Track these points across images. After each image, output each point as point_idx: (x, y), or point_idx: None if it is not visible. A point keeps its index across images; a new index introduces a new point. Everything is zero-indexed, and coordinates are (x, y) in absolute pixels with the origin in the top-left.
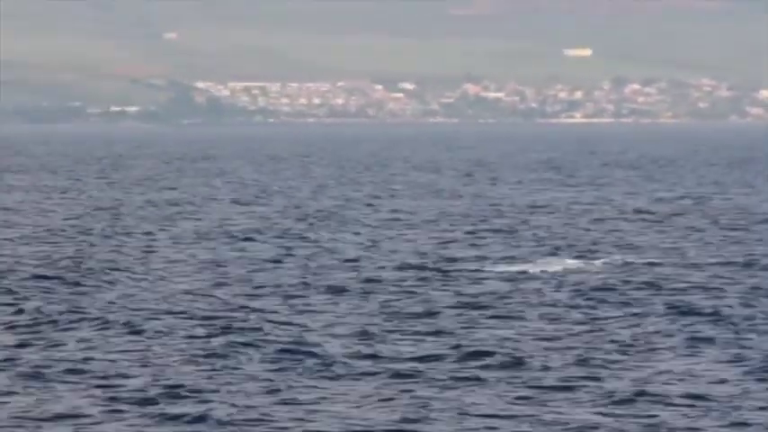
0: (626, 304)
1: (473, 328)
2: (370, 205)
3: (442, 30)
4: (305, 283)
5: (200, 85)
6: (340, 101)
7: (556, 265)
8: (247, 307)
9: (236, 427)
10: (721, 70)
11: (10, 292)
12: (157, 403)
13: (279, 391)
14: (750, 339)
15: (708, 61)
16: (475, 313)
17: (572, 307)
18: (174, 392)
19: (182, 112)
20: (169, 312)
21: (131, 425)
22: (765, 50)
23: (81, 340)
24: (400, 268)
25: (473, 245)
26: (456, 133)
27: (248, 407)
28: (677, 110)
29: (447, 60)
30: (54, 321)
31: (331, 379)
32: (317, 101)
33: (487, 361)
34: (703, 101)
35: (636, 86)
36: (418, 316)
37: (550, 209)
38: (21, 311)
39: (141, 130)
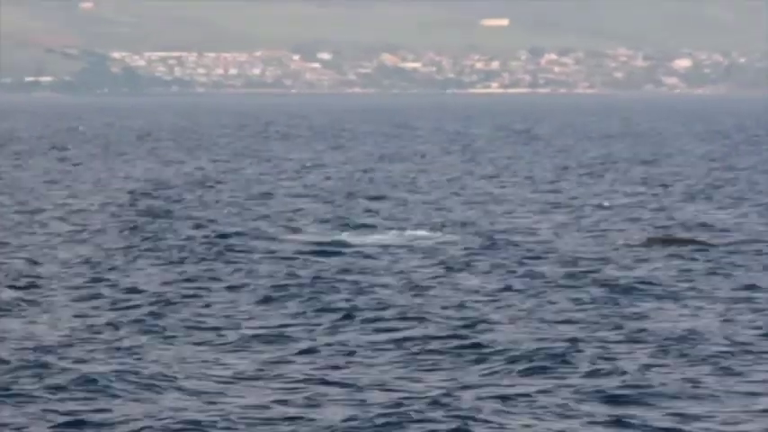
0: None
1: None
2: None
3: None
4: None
5: (115, 55)
6: (257, 71)
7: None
8: None
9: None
10: (637, 40)
11: None
12: None
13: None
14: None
15: (623, 31)
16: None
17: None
18: None
19: (97, 82)
20: None
21: None
22: (680, 20)
23: None
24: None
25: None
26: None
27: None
28: (593, 80)
29: (364, 30)
30: None
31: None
32: (233, 71)
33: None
34: (619, 71)
35: (552, 56)
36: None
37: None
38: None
39: (55, 100)
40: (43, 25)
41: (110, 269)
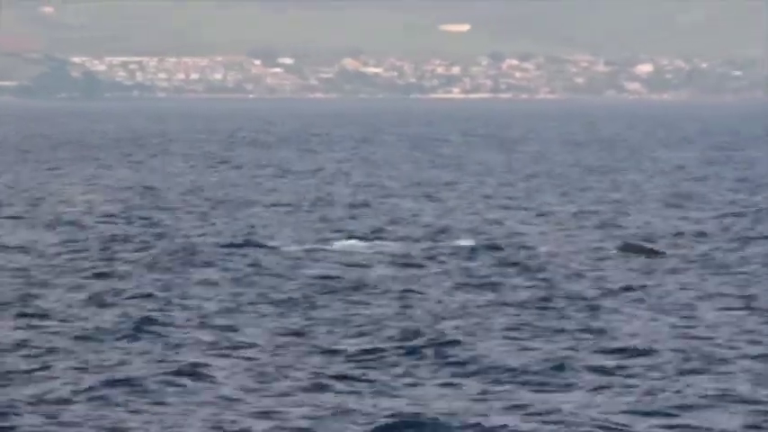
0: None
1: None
2: None
3: (322, 3)
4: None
5: (76, 59)
6: (218, 76)
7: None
8: None
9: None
10: (598, 46)
11: None
12: None
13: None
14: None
15: (585, 36)
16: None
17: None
18: None
19: (57, 86)
20: None
21: None
22: (642, 25)
23: None
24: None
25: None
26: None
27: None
28: (554, 85)
29: (326, 35)
30: None
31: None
32: (194, 76)
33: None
34: (580, 76)
35: (513, 62)
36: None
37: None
38: None
39: (17, 105)
40: (4, 30)
41: (99, 275)
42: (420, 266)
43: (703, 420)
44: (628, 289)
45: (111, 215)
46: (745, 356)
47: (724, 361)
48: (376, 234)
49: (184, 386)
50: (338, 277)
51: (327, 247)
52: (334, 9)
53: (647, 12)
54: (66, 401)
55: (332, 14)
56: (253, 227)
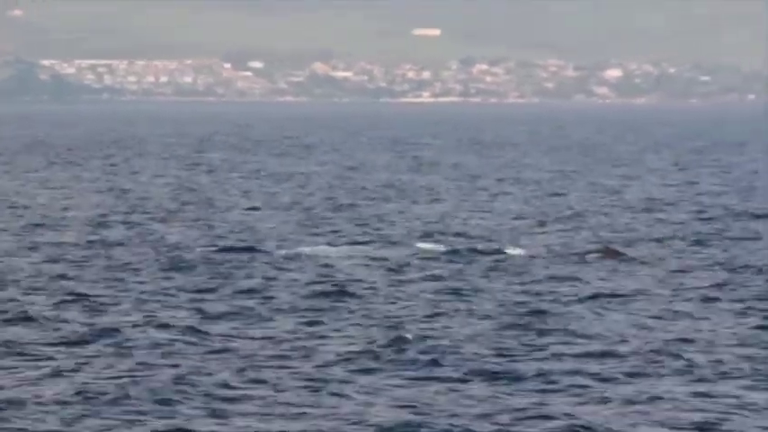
0: None
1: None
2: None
3: (292, 7)
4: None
5: (44, 62)
6: (188, 79)
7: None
8: None
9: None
10: (568, 50)
11: None
12: None
13: None
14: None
15: (554, 41)
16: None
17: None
18: None
19: (25, 89)
20: None
21: None
22: (611, 30)
23: None
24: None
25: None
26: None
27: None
28: (524, 89)
29: (296, 39)
30: None
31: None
32: (164, 79)
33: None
34: (550, 81)
35: (483, 66)
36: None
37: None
38: None
39: None
40: None
41: (93, 282)
42: (397, 271)
43: (678, 420)
44: (605, 292)
45: (91, 219)
46: (719, 359)
47: (700, 364)
48: (354, 238)
49: (164, 393)
50: (317, 282)
51: (306, 251)
52: (304, 13)
53: (616, 17)
54: (44, 404)
55: (303, 18)
56: (231, 231)
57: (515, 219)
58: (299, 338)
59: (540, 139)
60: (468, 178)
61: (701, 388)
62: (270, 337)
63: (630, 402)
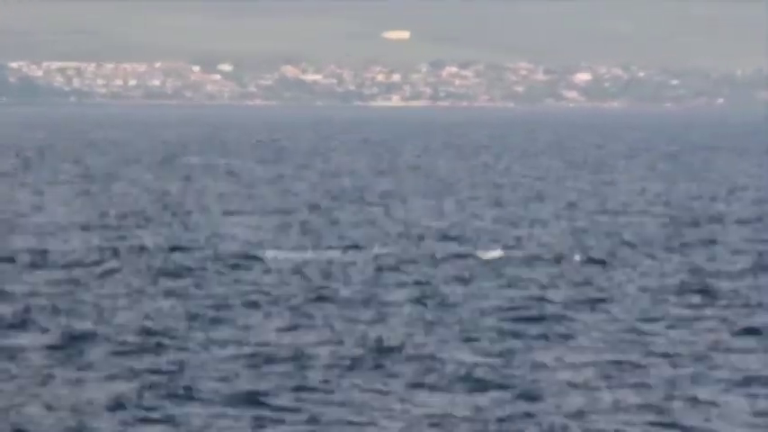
0: None
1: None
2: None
3: (261, 10)
4: None
5: (13, 65)
6: (157, 82)
7: None
8: None
9: None
10: (537, 54)
11: None
12: None
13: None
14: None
15: (524, 45)
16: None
17: None
18: None
19: None
20: None
21: None
22: (581, 34)
23: None
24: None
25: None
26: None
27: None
28: (493, 93)
29: (266, 42)
30: None
31: None
32: (133, 82)
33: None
34: (520, 84)
35: (453, 69)
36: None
37: None
38: None
39: None
40: None
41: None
42: (385, 274)
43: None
44: (588, 297)
45: (70, 224)
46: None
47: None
48: (334, 242)
49: (144, 401)
50: (296, 285)
51: (279, 256)
52: (274, 17)
53: (586, 21)
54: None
55: (272, 22)
56: (212, 236)
57: (494, 222)
58: (277, 344)
59: (513, 144)
60: (444, 182)
61: (687, 393)
62: (245, 343)
63: (618, 408)
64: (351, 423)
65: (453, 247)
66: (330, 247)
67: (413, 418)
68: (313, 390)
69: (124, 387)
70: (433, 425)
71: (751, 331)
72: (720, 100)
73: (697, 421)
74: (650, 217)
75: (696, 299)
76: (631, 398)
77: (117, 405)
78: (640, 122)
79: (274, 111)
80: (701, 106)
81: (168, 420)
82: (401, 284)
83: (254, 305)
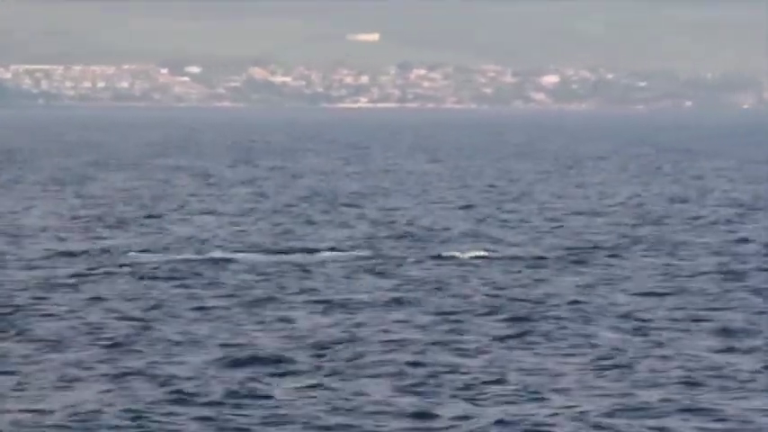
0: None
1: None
2: None
3: (229, 13)
4: None
5: None
6: (125, 84)
7: None
8: None
9: None
10: (506, 56)
11: None
12: None
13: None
14: None
15: (492, 47)
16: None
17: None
18: None
19: None
20: None
21: None
22: (549, 37)
23: None
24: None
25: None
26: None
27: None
28: (461, 95)
29: (234, 44)
30: None
31: None
32: (101, 84)
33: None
34: (488, 86)
35: (421, 71)
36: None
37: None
38: None
39: None
40: None
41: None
42: (353, 276)
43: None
44: (564, 296)
45: (48, 226)
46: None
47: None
48: (310, 243)
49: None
50: (271, 285)
51: (261, 257)
52: (243, 19)
53: (554, 24)
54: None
55: (241, 24)
56: (185, 237)
57: (466, 223)
58: (225, 345)
59: (484, 145)
60: (422, 183)
61: (672, 393)
62: (197, 342)
63: (610, 411)
64: (328, 427)
65: (428, 248)
66: (307, 249)
67: (391, 419)
68: (251, 388)
69: (92, 391)
70: (413, 428)
71: (725, 332)
72: (688, 103)
73: (675, 422)
74: (622, 218)
75: (671, 300)
76: (615, 399)
77: (85, 409)
78: (610, 124)
79: (243, 113)
80: (669, 108)
81: (145, 424)
82: (376, 286)
83: (228, 305)
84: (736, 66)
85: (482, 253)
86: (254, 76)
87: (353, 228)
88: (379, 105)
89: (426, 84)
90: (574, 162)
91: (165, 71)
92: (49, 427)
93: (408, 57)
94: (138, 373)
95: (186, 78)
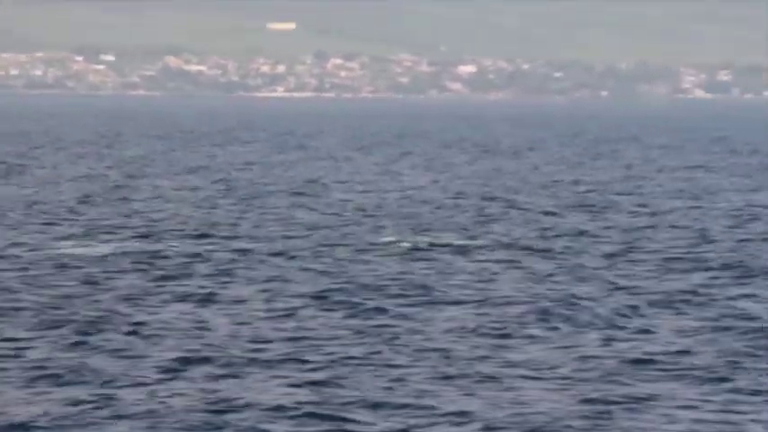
0: None
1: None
2: None
3: (145, 1)
4: None
5: None
6: (39, 72)
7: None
8: None
9: None
10: (422, 46)
11: None
12: None
13: None
14: None
15: (409, 37)
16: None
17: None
18: None
19: None
20: None
21: None
22: (465, 27)
23: None
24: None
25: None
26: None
27: None
28: (378, 84)
29: (149, 32)
30: None
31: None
32: (14, 72)
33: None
34: (404, 76)
35: (338, 61)
36: None
37: None
38: None
39: None
40: None
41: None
42: (295, 264)
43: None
44: (528, 292)
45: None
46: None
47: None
48: (249, 232)
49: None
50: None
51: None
52: (158, 7)
53: (470, 13)
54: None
55: (156, 13)
56: (143, 226)
57: (459, 211)
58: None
59: (429, 134)
60: (385, 171)
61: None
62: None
63: (606, 411)
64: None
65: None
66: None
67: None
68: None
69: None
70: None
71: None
72: (604, 92)
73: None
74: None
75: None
76: (594, 392)
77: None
78: (528, 113)
79: (159, 101)
80: (585, 98)
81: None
82: (310, 274)
83: (173, 298)
84: (650, 57)
85: (408, 244)
86: (169, 65)
87: (291, 219)
88: (296, 95)
89: (343, 73)
90: (512, 149)
91: (79, 59)
92: None
93: (324, 47)
94: None
95: (101, 66)
